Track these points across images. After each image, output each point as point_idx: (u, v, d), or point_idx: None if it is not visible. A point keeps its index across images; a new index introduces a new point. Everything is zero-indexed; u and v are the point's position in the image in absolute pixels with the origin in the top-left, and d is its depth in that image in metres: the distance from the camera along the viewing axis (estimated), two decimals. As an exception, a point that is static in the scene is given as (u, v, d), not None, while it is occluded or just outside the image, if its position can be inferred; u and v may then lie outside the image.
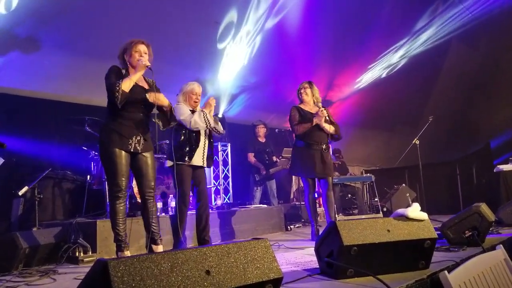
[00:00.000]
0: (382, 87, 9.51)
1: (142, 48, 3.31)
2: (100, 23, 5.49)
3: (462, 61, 9.21)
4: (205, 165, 4.01)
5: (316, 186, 4.68)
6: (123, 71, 3.29)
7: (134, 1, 5.55)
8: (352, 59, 8.54)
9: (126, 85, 3.08)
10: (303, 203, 7.33)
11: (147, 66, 3.19)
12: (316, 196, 4.65)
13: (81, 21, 5.38)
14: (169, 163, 3.92)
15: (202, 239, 4.04)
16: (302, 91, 4.64)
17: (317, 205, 5.41)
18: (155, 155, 5.04)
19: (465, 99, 9.87)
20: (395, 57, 9.02)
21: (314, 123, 4.43)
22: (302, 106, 4.63)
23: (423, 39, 8.64)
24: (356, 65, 8.85)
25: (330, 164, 4.62)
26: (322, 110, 4.43)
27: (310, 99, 4.62)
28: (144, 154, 3.35)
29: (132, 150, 3.25)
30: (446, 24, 8.37)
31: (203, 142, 3.99)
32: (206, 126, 3.90)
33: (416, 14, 8.08)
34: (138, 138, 3.28)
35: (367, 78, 9.41)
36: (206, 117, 3.88)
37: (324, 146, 4.54)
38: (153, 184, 3.39)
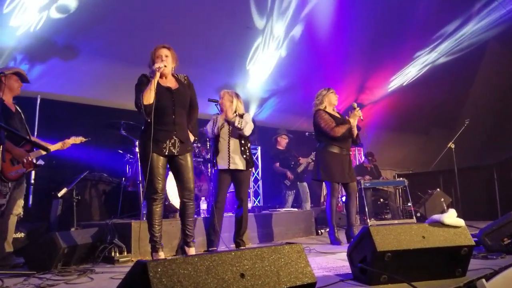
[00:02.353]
0: (416, 90, 9.31)
1: (163, 52, 3.34)
2: (135, 30, 5.64)
3: (499, 62, 8.91)
4: (233, 167, 4.10)
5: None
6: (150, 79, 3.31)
7: (168, 8, 5.67)
8: (384, 61, 8.40)
9: (146, 98, 3.16)
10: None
11: (156, 69, 3.18)
12: (344, 201, 4.65)
13: (117, 29, 5.55)
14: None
15: (236, 242, 4.21)
16: (331, 95, 4.63)
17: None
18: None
19: (503, 100, 9.53)
20: (430, 59, 8.81)
21: (351, 124, 4.43)
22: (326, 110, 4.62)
23: (458, 40, 8.41)
24: (388, 67, 8.70)
25: (353, 169, 4.69)
26: (358, 109, 4.42)
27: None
28: (181, 156, 3.40)
29: (167, 154, 3.31)
30: (482, 24, 8.11)
31: (226, 145, 4.13)
32: (212, 134, 4.18)
33: (451, 14, 7.87)
34: (173, 141, 3.33)
35: (400, 80, 9.22)
36: (215, 122, 4.15)
37: (349, 152, 4.60)
38: (191, 186, 3.43)
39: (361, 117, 4.49)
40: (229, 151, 4.12)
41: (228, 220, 4.45)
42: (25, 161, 3.58)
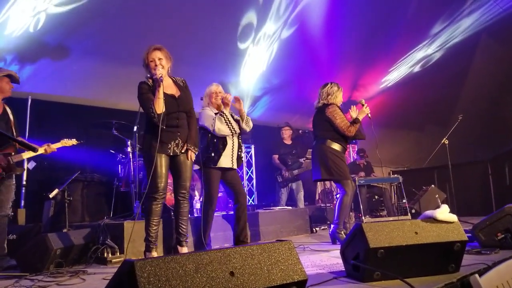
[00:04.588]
0: (409, 86, 9.31)
1: (156, 55, 3.36)
2: (126, 28, 5.59)
3: (492, 57, 8.93)
4: (235, 166, 4.05)
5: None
6: (150, 83, 3.39)
7: (160, 6, 5.62)
8: (377, 58, 8.39)
9: (158, 107, 3.25)
10: (328, 205, 7.28)
11: (159, 79, 3.23)
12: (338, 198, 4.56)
13: (108, 28, 5.50)
14: (195, 167, 4.01)
15: (241, 241, 4.06)
16: (341, 93, 4.46)
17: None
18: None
19: (496, 96, 9.56)
20: (422, 55, 8.81)
21: (360, 121, 4.33)
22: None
23: (451, 36, 8.42)
24: (381, 64, 8.69)
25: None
26: (366, 106, 4.38)
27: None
28: (183, 155, 3.48)
29: (171, 154, 3.39)
30: (475, 20, 8.12)
31: (231, 143, 4.03)
32: (231, 132, 3.96)
33: (443, 10, 7.87)
34: (177, 141, 3.42)
35: (393, 77, 9.23)
36: (228, 122, 3.94)
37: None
38: (186, 184, 3.50)
39: (369, 115, 4.40)
40: (233, 149, 4.03)
41: (220, 220, 4.42)
42: (1, 163, 3.52)
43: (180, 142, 3.44)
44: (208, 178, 3.98)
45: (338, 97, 4.42)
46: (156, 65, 3.32)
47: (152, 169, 3.28)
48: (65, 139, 4.09)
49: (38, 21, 5.02)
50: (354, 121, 4.30)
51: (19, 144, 3.58)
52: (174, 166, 3.49)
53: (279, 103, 8.38)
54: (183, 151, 3.47)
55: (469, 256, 2.86)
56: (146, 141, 3.41)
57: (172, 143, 3.39)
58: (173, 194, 3.67)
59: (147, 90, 3.35)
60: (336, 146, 4.29)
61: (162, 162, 3.35)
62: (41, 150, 3.80)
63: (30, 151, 3.74)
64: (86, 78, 5.87)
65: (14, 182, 3.75)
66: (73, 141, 4.14)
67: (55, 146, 3.96)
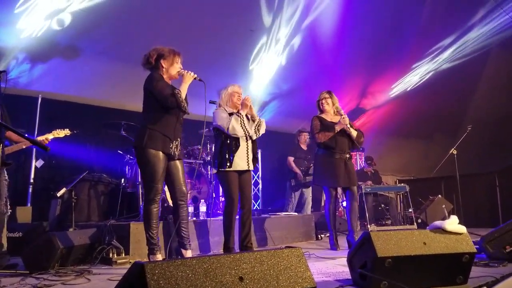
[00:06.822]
0: (419, 95, 9.27)
1: (181, 59, 3.45)
2: (137, 31, 5.64)
3: (502, 68, 8.88)
4: (250, 167, 4.00)
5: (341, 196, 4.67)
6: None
7: (170, 10, 5.66)
8: (387, 67, 8.37)
9: (183, 94, 3.27)
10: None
11: (195, 79, 3.34)
12: (344, 206, 4.60)
13: (119, 31, 5.55)
14: (213, 170, 4.00)
15: (245, 246, 4.00)
16: (323, 101, 4.66)
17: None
18: (187, 160, 5.17)
19: (506, 107, 9.50)
20: (433, 64, 8.78)
21: (336, 131, 4.44)
22: (323, 116, 4.64)
23: (461, 46, 8.38)
24: (391, 72, 8.67)
25: (354, 174, 4.56)
26: (344, 118, 4.43)
27: (331, 109, 4.66)
28: (178, 160, 3.45)
29: (171, 153, 3.34)
30: (485, 30, 8.09)
31: (245, 145, 3.96)
32: (245, 134, 3.93)
33: (453, 21, 7.85)
34: (177, 143, 3.40)
35: (403, 85, 9.20)
36: (243, 124, 3.93)
37: (348, 155, 4.55)
38: (183, 188, 3.46)
39: (348, 126, 4.47)
40: (247, 150, 3.96)
41: (216, 224, 4.41)
42: None
43: (179, 145, 3.42)
44: (226, 180, 3.88)
45: (320, 108, 4.68)
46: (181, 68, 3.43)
47: (150, 169, 3.22)
48: (57, 130, 4.04)
49: (51, 22, 5.08)
50: (328, 129, 4.46)
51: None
52: (169, 171, 3.39)
53: (288, 108, 8.38)
54: (178, 154, 3.42)
55: (476, 268, 2.83)
56: (148, 135, 3.24)
57: (174, 142, 3.35)
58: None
59: (162, 78, 3.34)
60: (322, 152, 4.55)
61: (161, 162, 3.25)
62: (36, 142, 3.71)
63: (19, 144, 3.68)
64: (97, 79, 5.92)
65: (6, 177, 3.58)
66: (66, 131, 4.08)
67: (44, 137, 3.89)
